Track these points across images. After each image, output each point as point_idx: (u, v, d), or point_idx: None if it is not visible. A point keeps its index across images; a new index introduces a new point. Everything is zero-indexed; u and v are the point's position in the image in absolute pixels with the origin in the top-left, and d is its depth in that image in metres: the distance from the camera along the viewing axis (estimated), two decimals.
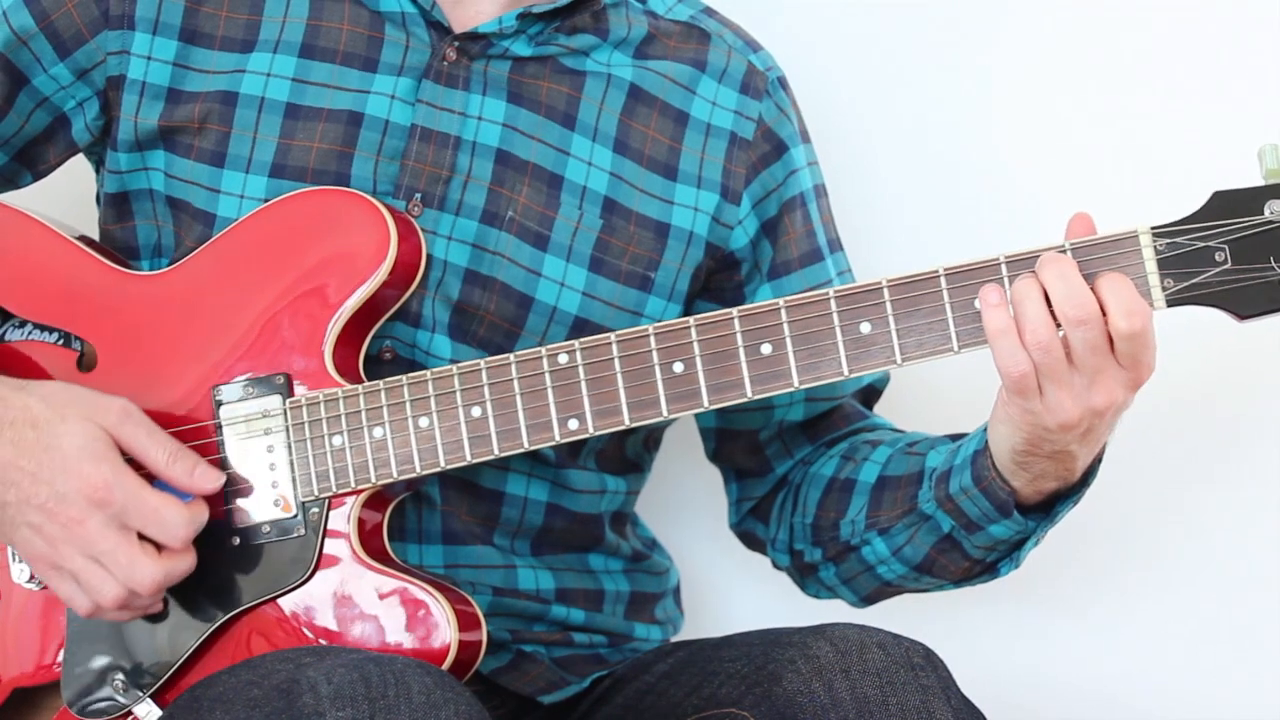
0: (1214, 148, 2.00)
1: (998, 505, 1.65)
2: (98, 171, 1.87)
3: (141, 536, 1.63)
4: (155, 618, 1.70)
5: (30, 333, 1.77)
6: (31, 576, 1.72)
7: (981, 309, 1.56)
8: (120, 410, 1.65)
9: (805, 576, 1.88)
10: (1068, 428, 1.56)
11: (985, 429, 1.66)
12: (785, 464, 1.90)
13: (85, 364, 1.74)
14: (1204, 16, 2.09)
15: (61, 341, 1.76)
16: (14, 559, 1.73)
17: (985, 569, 1.74)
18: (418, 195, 1.75)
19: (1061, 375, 1.54)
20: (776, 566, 1.92)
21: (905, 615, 1.83)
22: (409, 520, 1.77)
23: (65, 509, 1.61)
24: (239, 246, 1.72)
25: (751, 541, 1.95)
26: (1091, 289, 1.53)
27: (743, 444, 1.90)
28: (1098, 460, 1.65)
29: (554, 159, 1.79)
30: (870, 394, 1.92)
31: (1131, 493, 2.12)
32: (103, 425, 1.63)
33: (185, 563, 1.64)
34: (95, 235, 1.84)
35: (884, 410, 1.93)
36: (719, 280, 1.86)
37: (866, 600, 1.85)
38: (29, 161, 1.84)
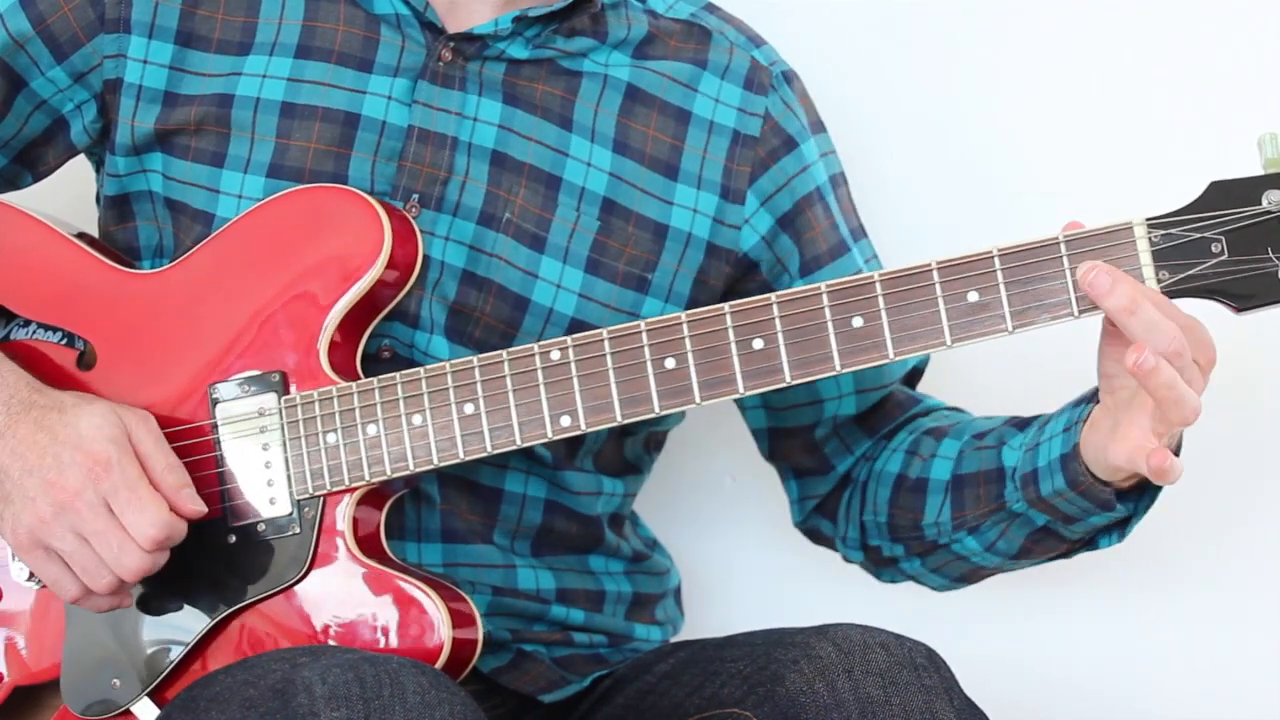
0: (1212, 137, 1.98)
1: (1099, 504, 1.64)
2: (98, 172, 1.88)
3: None
4: (153, 616, 1.70)
5: (35, 332, 1.78)
6: (31, 575, 1.73)
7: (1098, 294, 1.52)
8: (141, 415, 1.68)
9: (882, 568, 1.88)
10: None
11: (1065, 431, 1.64)
12: (846, 461, 1.89)
13: (85, 362, 1.75)
14: (1203, 5, 2.08)
15: (64, 341, 1.76)
16: (13, 558, 1.73)
17: (1086, 544, 1.73)
18: (415, 196, 1.75)
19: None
20: (847, 560, 1.91)
21: (907, 615, 1.82)
22: (408, 519, 1.77)
23: (64, 478, 1.62)
24: (235, 245, 1.73)
25: (818, 538, 1.94)
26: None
27: (799, 442, 1.89)
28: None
29: (551, 160, 1.78)
30: (914, 375, 1.90)
31: None
32: (122, 419, 1.66)
33: (162, 560, 1.65)
34: (96, 234, 1.85)
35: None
36: (745, 286, 1.84)
37: (958, 580, 1.84)
38: (29, 163, 1.85)
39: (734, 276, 1.84)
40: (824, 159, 1.88)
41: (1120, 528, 1.69)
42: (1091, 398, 1.63)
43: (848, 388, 1.85)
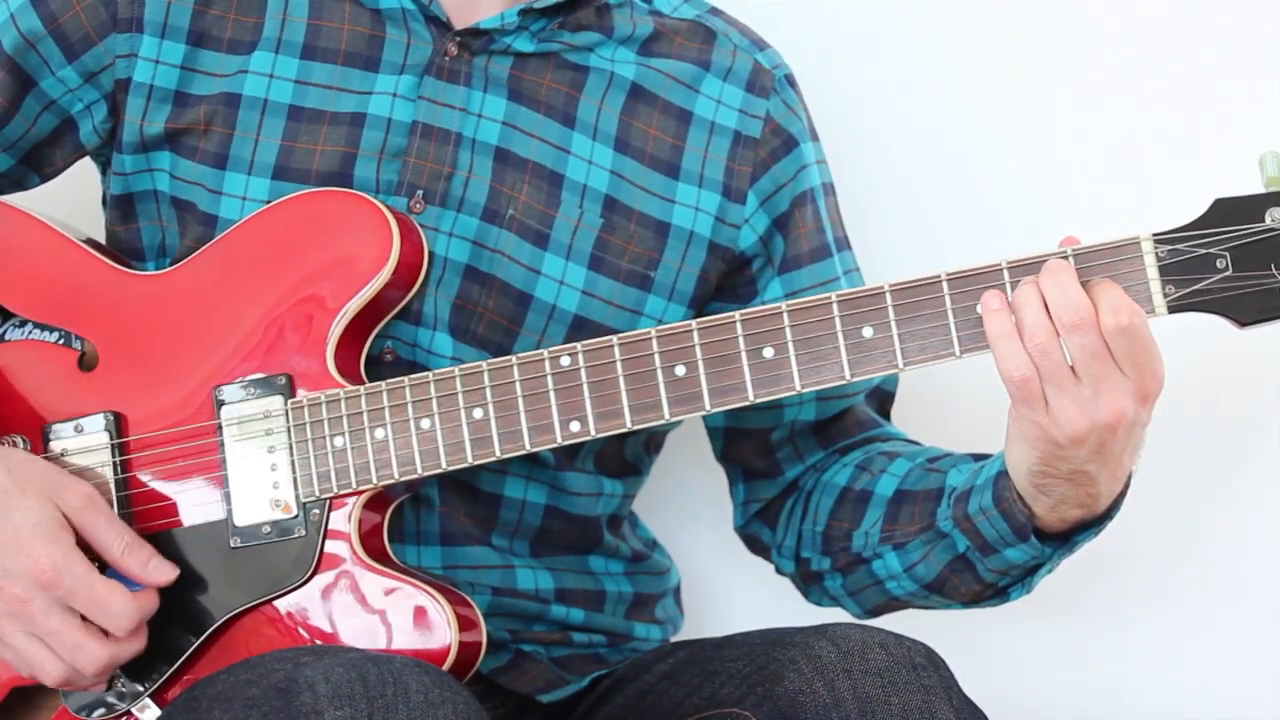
0: (1215, 155, 2.00)
1: (1015, 529, 1.64)
2: (104, 174, 1.87)
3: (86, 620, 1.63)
4: (156, 616, 1.69)
5: (30, 332, 1.78)
6: None
7: (983, 314, 1.56)
8: (83, 495, 1.65)
9: (809, 584, 1.88)
10: (1078, 442, 1.55)
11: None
12: (796, 468, 1.90)
13: (86, 364, 1.74)
14: (1206, 23, 2.10)
15: (62, 341, 1.76)
16: None
17: (996, 593, 1.74)
18: (419, 192, 1.76)
19: (1064, 382, 1.54)
20: (780, 572, 1.92)
21: (907, 615, 1.83)
22: (407, 522, 1.77)
23: (10, 586, 1.60)
24: (242, 247, 1.73)
25: (756, 545, 1.95)
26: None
27: (754, 444, 1.90)
28: (1123, 493, 1.64)
29: (554, 157, 1.79)
30: (884, 398, 1.91)
31: (1134, 497, 2.11)
32: (62, 508, 1.64)
33: (133, 647, 1.65)
34: (101, 237, 1.84)
35: (898, 421, 1.92)
36: (732, 281, 1.86)
37: (870, 613, 1.85)
38: (36, 164, 1.85)
39: (726, 273, 1.85)
40: (819, 165, 1.90)
41: (1031, 574, 1.70)
42: None
43: (809, 395, 1.85)
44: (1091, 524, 1.65)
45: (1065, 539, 1.66)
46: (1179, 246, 1.55)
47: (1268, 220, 1.54)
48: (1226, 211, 1.55)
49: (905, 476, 1.78)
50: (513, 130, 1.78)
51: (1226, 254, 1.55)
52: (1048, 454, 1.57)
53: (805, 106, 1.90)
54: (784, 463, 1.90)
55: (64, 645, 1.62)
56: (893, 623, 1.61)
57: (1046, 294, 1.54)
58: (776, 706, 1.55)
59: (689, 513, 2.17)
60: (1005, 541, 1.66)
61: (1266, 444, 2.11)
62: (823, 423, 1.88)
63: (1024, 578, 1.71)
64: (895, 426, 1.91)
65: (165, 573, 1.66)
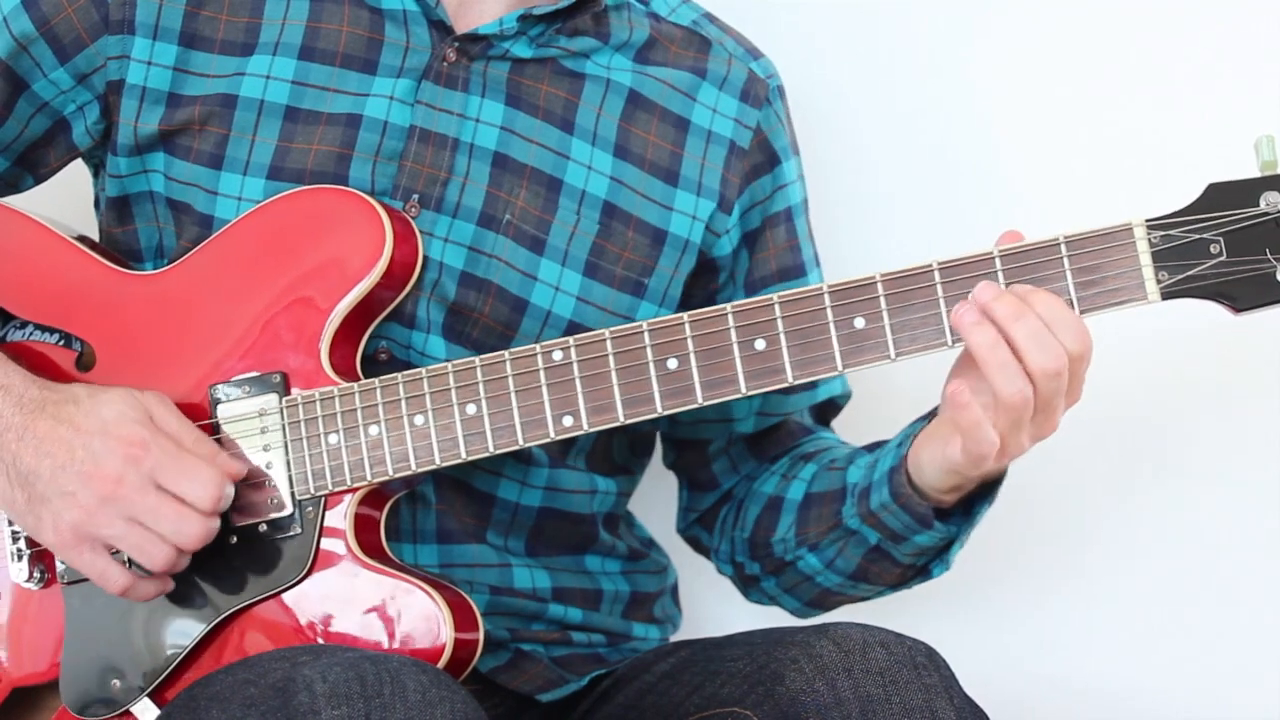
0: (1209, 139, 1.99)
1: (918, 519, 1.68)
2: (96, 176, 1.88)
3: None
4: (154, 616, 1.70)
5: (31, 334, 1.78)
6: (30, 575, 1.72)
7: (963, 330, 1.55)
8: (157, 396, 1.67)
9: (747, 586, 1.90)
10: (1011, 458, 1.59)
11: (898, 445, 1.68)
12: (731, 479, 1.92)
13: (84, 363, 1.75)
14: (1199, 7, 2.09)
15: (62, 342, 1.76)
16: (13, 559, 1.73)
17: (918, 572, 1.76)
18: (415, 196, 1.76)
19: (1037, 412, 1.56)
20: (720, 572, 1.94)
21: (907, 615, 1.83)
22: (403, 520, 1.78)
23: (102, 468, 1.61)
24: (236, 246, 1.73)
25: (697, 546, 1.98)
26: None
27: (695, 455, 1.92)
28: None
29: (553, 162, 1.79)
30: (828, 409, 1.93)
31: (1130, 490, 2.11)
32: (141, 400, 1.66)
33: (214, 525, 1.64)
34: (96, 237, 1.84)
35: (846, 423, 1.94)
36: (694, 286, 1.86)
37: (809, 605, 1.87)
38: (30, 165, 1.85)
39: (694, 273, 1.85)
40: (799, 181, 1.91)
41: (945, 550, 1.72)
42: (931, 415, 1.67)
43: (754, 409, 1.87)
44: (984, 494, 1.68)
45: (966, 513, 1.69)
46: (1172, 232, 1.55)
47: (1262, 204, 1.54)
48: (1220, 196, 1.55)
49: (812, 480, 1.81)
50: (511, 135, 1.78)
51: (1220, 239, 1.54)
52: (974, 467, 1.60)
53: (790, 119, 1.90)
54: (720, 475, 1.92)
55: (166, 519, 1.61)
56: (894, 622, 1.61)
57: (1021, 336, 1.54)
58: (777, 706, 1.55)
59: None
60: (911, 530, 1.69)
61: (1263, 431, 2.09)
62: (757, 435, 1.90)
63: (939, 555, 1.73)
64: (830, 432, 1.92)
65: (234, 463, 1.66)
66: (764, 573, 1.85)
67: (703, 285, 1.86)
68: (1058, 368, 1.54)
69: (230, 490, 1.65)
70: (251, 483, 1.69)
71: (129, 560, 1.64)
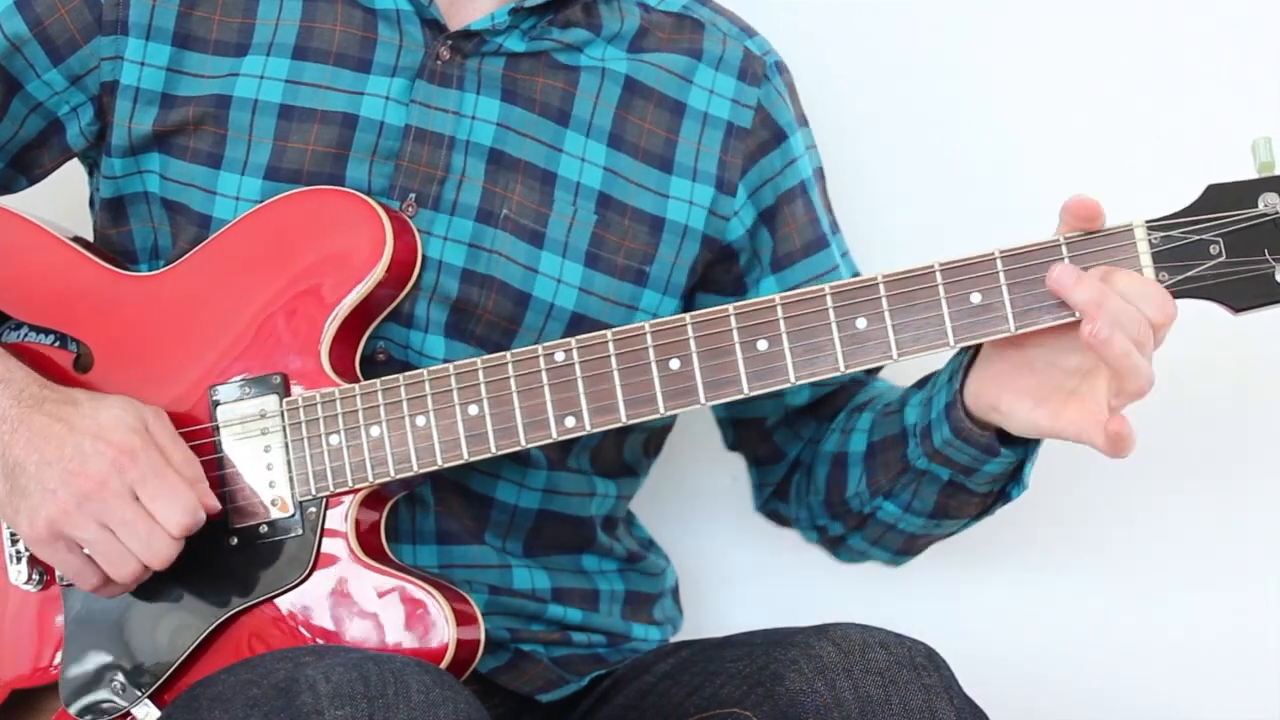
0: (1208, 141, 2.00)
1: (983, 449, 1.67)
2: (91, 176, 1.87)
3: None
4: (155, 618, 1.70)
5: (26, 335, 1.78)
6: (29, 578, 1.72)
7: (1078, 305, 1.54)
8: (155, 410, 1.67)
9: (835, 547, 1.90)
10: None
11: (949, 380, 1.66)
12: (796, 447, 1.91)
13: (81, 365, 1.74)
14: (1199, 10, 2.09)
15: (58, 343, 1.76)
16: (12, 560, 1.73)
17: (997, 497, 1.75)
18: (412, 195, 1.75)
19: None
20: (807, 540, 1.94)
21: (907, 615, 1.83)
22: (402, 521, 1.77)
23: (87, 468, 1.61)
24: (235, 246, 1.73)
25: (780, 519, 1.97)
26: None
27: (755, 432, 1.92)
28: None
29: (546, 156, 1.79)
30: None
31: (1131, 489, 2.12)
32: (139, 411, 1.66)
33: (180, 547, 1.64)
34: (90, 238, 1.84)
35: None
36: (717, 272, 1.86)
37: (900, 553, 1.86)
38: (24, 166, 1.84)
39: (710, 263, 1.85)
40: (809, 152, 1.90)
41: (1019, 473, 1.72)
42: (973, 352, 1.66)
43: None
44: None
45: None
46: (1172, 233, 1.56)
47: (1261, 205, 1.55)
48: (1219, 197, 1.55)
49: (871, 429, 1.80)
50: (506, 131, 1.78)
51: (1220, 240, 1.55)
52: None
53: (795, 92, 1.90)
54: (783, 444, 1.92)
55: (136, 535, 1.61)
56: (894, 623, 1.61)
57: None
58: (777, 706, 1.56)
59: (688, 513, 2.18)
60: (980, 460, 1.68)
61: (1263, 430, 2.10)
62: (815, 403, 1.90)
63: (1013, 477, 1.72)
64: (882, 381, 1.92)
65: (210, 497, 1.65)
66: (848, 530, 1.85)
67: (726, 271, 1.86)
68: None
69: (202, 518, 1.64)
70: (252, 484, 1.69)
71: None
